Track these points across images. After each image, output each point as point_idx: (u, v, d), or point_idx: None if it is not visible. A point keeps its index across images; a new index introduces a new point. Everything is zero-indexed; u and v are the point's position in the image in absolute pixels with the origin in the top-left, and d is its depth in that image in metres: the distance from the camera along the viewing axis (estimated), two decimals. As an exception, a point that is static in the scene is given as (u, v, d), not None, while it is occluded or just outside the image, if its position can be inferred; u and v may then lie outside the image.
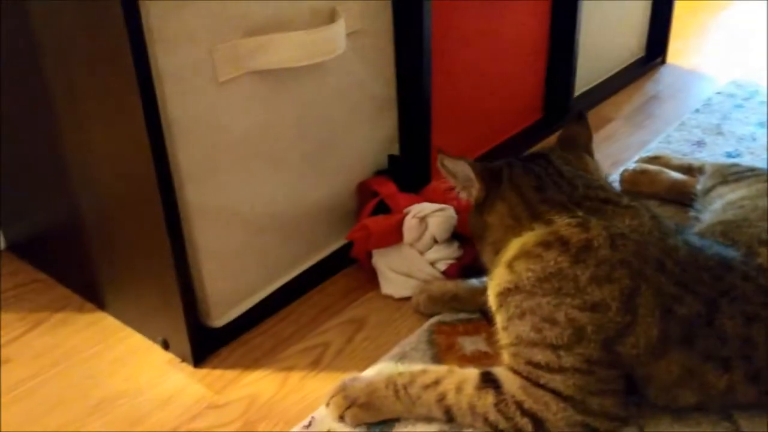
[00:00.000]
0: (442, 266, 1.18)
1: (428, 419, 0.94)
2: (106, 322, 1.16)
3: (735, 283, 0.91)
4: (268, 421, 0.98)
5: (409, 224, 1.16)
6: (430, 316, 1.13)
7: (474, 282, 1.14)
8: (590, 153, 1.07)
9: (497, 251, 0.97)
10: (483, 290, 1.10)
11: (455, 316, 1.12)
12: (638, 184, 1.38)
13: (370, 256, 1.21)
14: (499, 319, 0.94)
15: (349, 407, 0.94)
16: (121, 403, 1.01)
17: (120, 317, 1.16)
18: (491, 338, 1.06)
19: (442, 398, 0.92)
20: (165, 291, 1.05)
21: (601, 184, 0.98)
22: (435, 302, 1.14)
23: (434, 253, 1.18)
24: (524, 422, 0.89)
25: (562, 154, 1.02)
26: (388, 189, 1.22)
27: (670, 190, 1.35)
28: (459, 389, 0.92)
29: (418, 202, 1.20)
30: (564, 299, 0.88)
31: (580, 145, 1.06)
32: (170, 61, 0.93)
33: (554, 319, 0.88)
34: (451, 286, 1.14)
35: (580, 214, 0.92)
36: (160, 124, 0.94)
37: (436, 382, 0.93)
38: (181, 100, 0.96)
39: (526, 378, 0.90)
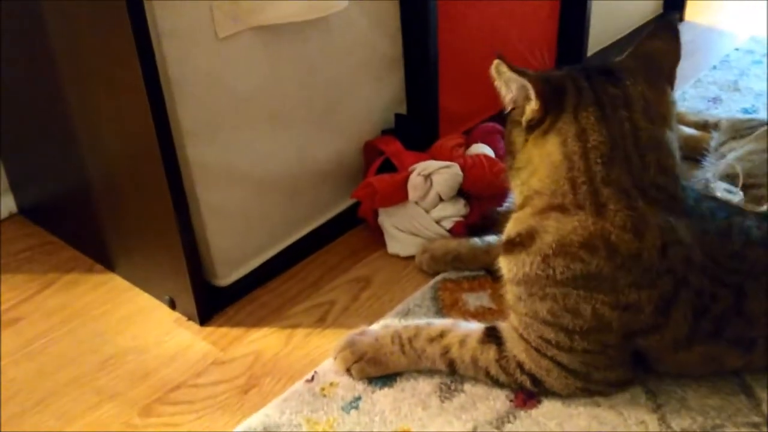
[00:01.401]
0: (448, 224, 1.17)
1: (430, 373, 0.94)
2: (115, 282, 1.17)
3: (756, 257, 0.85)
4: (272, 377, 0.98)
5: (414, 182, 1.15)
6: (435, 274, 1.13)
7: (477, 241, 1.13)
8: (672, 83, 0.88)
9: (525, 196, 0.87)
10: (486, 250, 1.10)
11: (460, 273, 1.12)
12: None
13: (376, 215, 1.20)
14: (511, 276, 0.88)
15: (356, 362, 0.94)
16: (129, 359, 1.03)
17: (128, 277, 1.17)
18: (495, 294, 1.06)
19: (446, 351, 0.92)
20: (171, 251, 1.05)
21: (674, 166, 0.84)
22: (438, 262, 1.13)
23: (439, 211, 1.17)
24: (524, 379, 0.89)
25: (643, 87, 0.83)
26: (393, 147, 1.21)
27: (684, 147, 1.33)
28: (462, 343, 0.92)
29: (425, 159, 1.19)
30: (596, 295, 0.82)
31: (663, 70, 0.87)
32: (169, 19, 0.93)
33: (578, 311, 0.83)
34: (453, 245, 1.14)
35: (640, 206, 0.80)
36: (159, 82, 0.93)
37: (441, 335, 0.93)
38: (181, 58, 0.95)
39: (533, 347, 0.88)
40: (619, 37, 1.80)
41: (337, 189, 1.24)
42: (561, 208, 0.83)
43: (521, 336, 0.89)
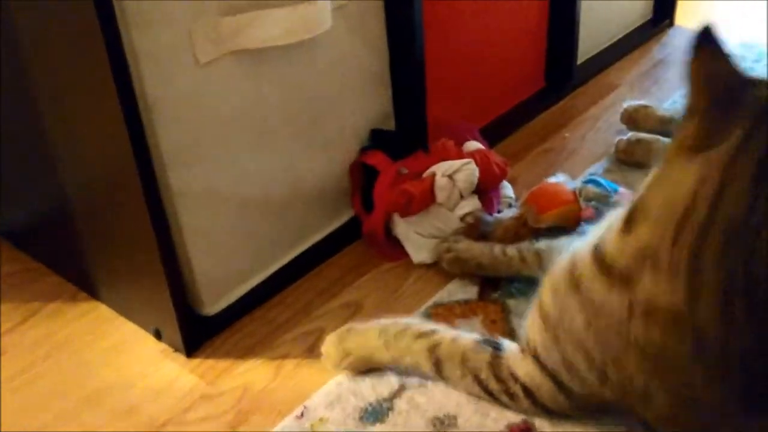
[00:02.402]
0: (471, 219, 1.17)
1: (425, 407, 0.92)
2: (100, 311, 1.15)
3: None
4: (261, 412, 0.96)
5: (441, 183, 1.14)
6: (452, 275, 1.14)
7: (497, 252, 1.11)
8: None
9: (638, 211, 0.70)
10: (506, 262, 1.10)
11: (452, 297, 1.10)
12: (633, 154, 1.35)
13: (387, 228, 1.19)
14: (581, 295, 0.75)
15: (342, 359, 0.97)
16: (114, 393, 1.00)
17: (113, 306, 1.15)
18: (487, 320, 1.05)
19: (434, 347, 0.90)
20: (154, 278, 1.03)
21: None
22: (461, 264, 1.13)
23: (461, 209, 1.17)
24: (516, 389, 0.86)
25: None
26: (378, 159, 1.19)
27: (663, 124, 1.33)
28: (454, 341, 0.90)
29: (433, 163, 1.18)
30: (658, 375, 0.72)
31: None
32: (147, 43, 0.90)
33: (627, 372, 0.74)
34: (478, 252, 1.12)
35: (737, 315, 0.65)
36: (137, 107, 0.90)
37: (432, 332, 0.92)
38: (161, 83, 0.93)
39: (542, 365, 0.83)
40: (609, 43, 1.78)
41: (324, 210, 1.21)
42: (654, 259, 0.68)
43: (533, 353, 0.84)
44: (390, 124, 1.28)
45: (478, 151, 1.21)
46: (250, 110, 1.04)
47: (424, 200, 1.15)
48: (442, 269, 1.15)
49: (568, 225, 1.12)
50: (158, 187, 0.97)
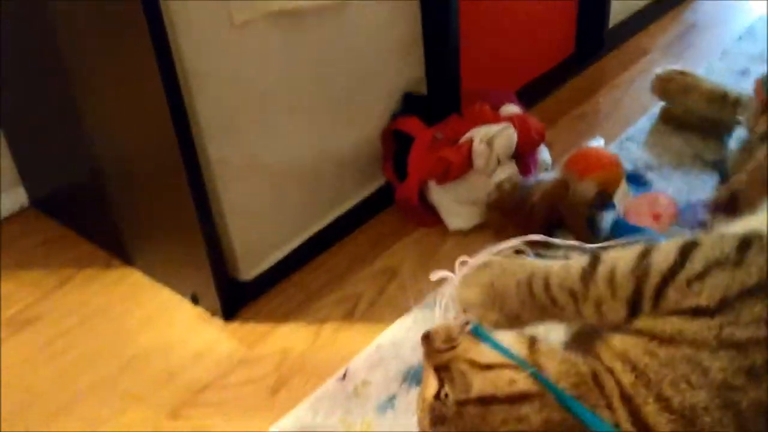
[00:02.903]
0: (508, 186, 1.15)
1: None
2: (134, 277, 1.14)
3: None
4: (302, 375, 0.96)
5: (479, 150, 1.12)
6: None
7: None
8: None
9: None
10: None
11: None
12: (670, 92, 1.31)
13: (422, 195, 1.18)
14: None
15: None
16: (153, 359, 1.00)
17: (148, 273, 1.14)
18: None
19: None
20: (191, 246, 1.02)
21: None
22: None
23: (498, 175, 1.15)
24: None
25: None
26: (413, 124, 1.17)
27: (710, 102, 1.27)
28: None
29: (468, 128, 1.15)
30: None
31: None
32: (184, 8, 0.88)
33: None
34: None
35: None
36: (176, 76, 0.89)
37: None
38: (197, 49, 0.91)
39: None
40: (639, 7, 1.74)
41: (358, 177, 1.20)
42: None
43: None
44: (422, 89, 1.25)
45: (516, 115, 1.18)
46: (285, 76, 1.02)
47: (462, 167, 1.13)
48: (479, 235, 1.14)
49: (611, 187, 1.10)
50: (197, 156, 0.95)
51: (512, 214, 1.11)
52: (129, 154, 1.05)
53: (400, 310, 1.03)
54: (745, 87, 1.39)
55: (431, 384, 0.70)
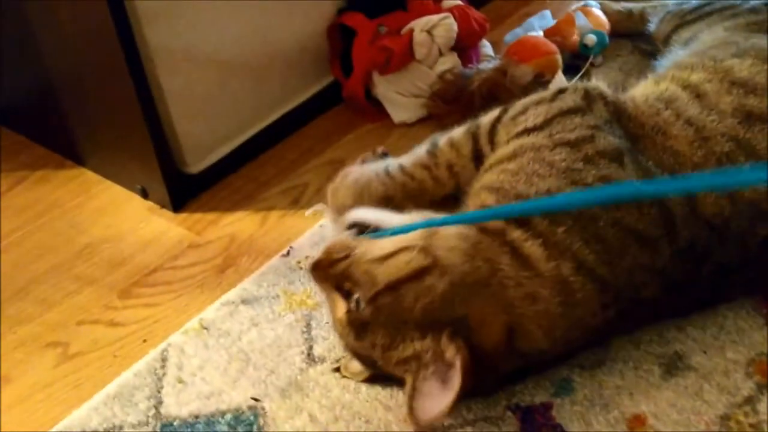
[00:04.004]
0: (450, 76, 1.17)
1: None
2: (86, 176, 1.16)
3: None
4: (249, 256, 0.99)
5: (419, 39, 1.14)
6: None
7: None
8: None
9: None
10: None
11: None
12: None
13: (366, 91, 1.19)
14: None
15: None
16: (105, 247, 1.03)
17: (99, 171, 1.16)
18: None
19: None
20: (138, 140, 1.04)
21: None
22: None
23: (440, 66, 1.17)
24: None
25: None
26: (358, 20, 1.18)
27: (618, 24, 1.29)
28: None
29: (412, 20, 1.16)
30: None
31: None
32: None
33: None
34: None
35: None
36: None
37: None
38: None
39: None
40: None
41: (304, 73, 1.21)
42: None
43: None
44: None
45: (457, 6, 1.20)
46: (225, -35, 1.03)
47: (403, 56, 1.15)
48: (423, 127, 1.17)
49: (549, 73, 1.13)
50: (136, 45, 0.96)
51: (453, 103, 1.14)
52: (74, 53, 1.05)
53: (345, 197, 1.06)
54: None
55: (339, 306, 0.74)
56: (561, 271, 0.72)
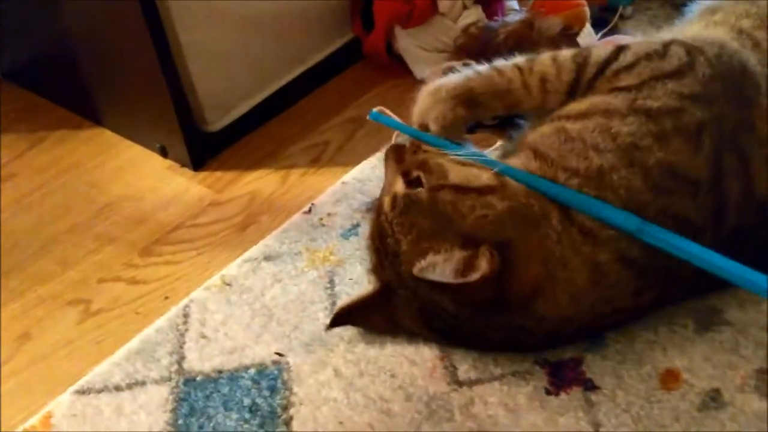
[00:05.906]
0: (474, 30, 1.12)
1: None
2: (105, 136, 1.15)
3: None
4: (270, 214, 0.98)
5: None
6: None
7: None
8: None
9: None
10: None
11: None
12: None
13: (389, 45, 1.17)
14: None
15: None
16: (125, 206, 1.02)
17: (118, 130, 1.15)
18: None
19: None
20: (157, 97, 1.03)
21: None
22: None
23: (464, 19, 1.13)
24: None
25: None
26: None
27: None
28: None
29: None
30: None
31: None
32: None
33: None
34: None
35: None
36: None
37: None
38: None
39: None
40: None
41: (324, 30, 1.19)
42: None
43: None
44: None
45: (481, -43, 1.16)
46: None
47: (426, 9, 1.11)
48: (446, 83, 1.14)
49: (577, 25, 1.09)
50: (155, 0, 0.94)
51: (478, 58, 1.10)
52: (93, 14, 1.04)
53: (367, 155, 1.04)
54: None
55: (399, 185, 0.74)
56: (597, 258, 0.70)
